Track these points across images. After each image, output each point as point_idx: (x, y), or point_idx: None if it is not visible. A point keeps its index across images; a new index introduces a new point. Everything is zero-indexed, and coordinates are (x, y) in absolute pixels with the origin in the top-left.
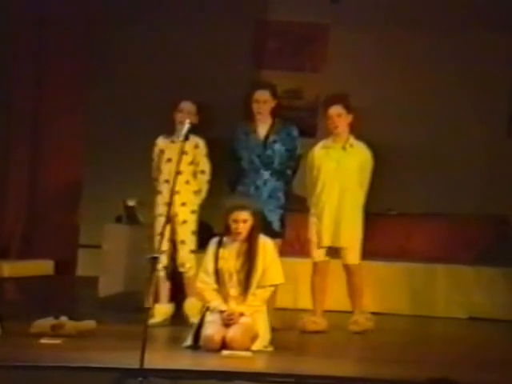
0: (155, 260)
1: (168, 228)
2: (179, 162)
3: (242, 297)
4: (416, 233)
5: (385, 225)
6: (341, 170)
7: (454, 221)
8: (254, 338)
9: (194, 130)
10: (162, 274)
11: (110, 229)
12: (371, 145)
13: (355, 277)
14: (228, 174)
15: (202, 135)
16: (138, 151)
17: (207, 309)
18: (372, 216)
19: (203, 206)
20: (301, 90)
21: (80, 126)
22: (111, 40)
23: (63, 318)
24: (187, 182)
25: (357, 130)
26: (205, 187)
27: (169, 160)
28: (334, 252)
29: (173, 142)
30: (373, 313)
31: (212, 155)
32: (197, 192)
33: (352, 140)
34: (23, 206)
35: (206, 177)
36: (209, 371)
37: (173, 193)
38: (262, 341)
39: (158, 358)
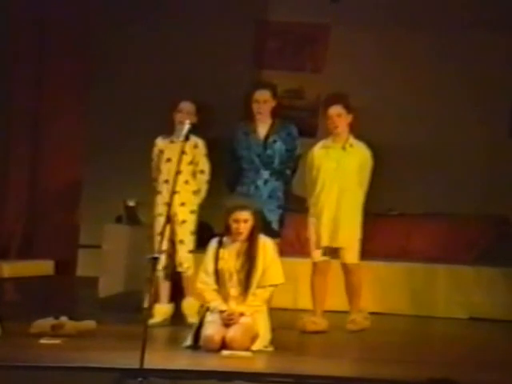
0: (155, 260)
1: (168, 228)
2: (179, 161)
3: (242, 297)
4: (416, 233)
5: (385, 225)
6: (340, 170)
7: (454, 221)
8: (254, 338)
9: (193, 129)
10: (161, 274)
11: (110, 229)
12: (371, 145)
13: (353, 276)
14: (227, 174)
15: (201, 135)
16: (138, 151)
17: (207, 309)
18: (372, 216)
19: (203, 206)
20: (301, 90)
21: (80, 126)
22: (111, 40)
23: (63, 318)
24: (186, 182)
25: (357, 130)
26: (204, 187)
27: (168, 160)
28: (333, 252)
29: (172, 142)
30: (373, 313)
31: (212, 155)
32: (196, 192)
33: (352, 140)
34: (23, 206)
35: (205, 177)
36: (209, 371)
37: (173, 193)
38: (262, 341)
39: (157, 358)
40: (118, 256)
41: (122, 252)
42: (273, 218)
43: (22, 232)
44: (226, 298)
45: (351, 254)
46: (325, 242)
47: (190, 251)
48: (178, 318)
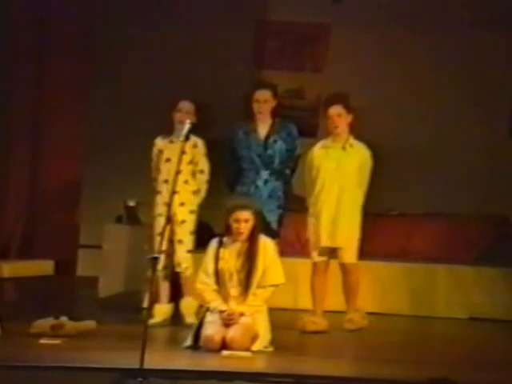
0: (155, 260)
1: (167, 228)
2: (180, 161)
3: (242, 297)
4: (416, 233)
5: (385, 225)
6: (340, 170)
7: (454, 221)
8: (254, 338)
9: (193, 129)
10: (161, 274)
11: (110, 229)
12: (372, 144)
13: (351, 276)
14: (227, 174)
15: (201, 135)
16: (138, 151)
17: (207, 309)
18: (372, 216)
19: (203, 206)
20: (302, 90)
21: (80, 126)
22: (111, 40)
23: (63, 318)
24: (186, 182)
25: (358, 130)
26: (204, 187)
27: (168, 160)
28: (331, 252)
29: (171, 141)
30: (373, 313)
31: (212, 155)
32: (196, 192)
33: (352, 140)
34: (23, 206)
35: (205, 176)
36: (209, 371)
37: (172, 192)
38: (262, 341)
39: (157, 358)
40: (118, 256)
41: (122, 252)
42: (272, 218)
43: (22, 232)
44: (226, 298)
45: (349, 254)
46: (324, 242)
47: (189, 251)
48: (177, 318)
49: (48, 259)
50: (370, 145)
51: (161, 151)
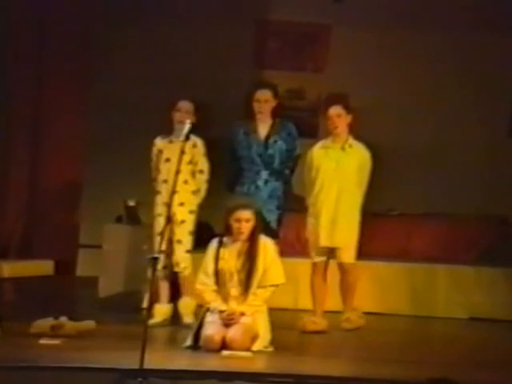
0: (155, 260)
1: (167, 228)
2: (180, 161)
3: (242, 297)
4: (416, 233)
5: (385, 225)
6: (340, 171)
7: (454, 221)
8: (254, 338)
9: (192, 129)
10: (161, 274)
11: (110, 229)
12: (372, 144)
13: (349, 275)
14: (227, 174)
15: (201, 135)
16: (138, 151)
17: (207, 309)
18: (372, 216)
19: (203, 206)
20: (302, 90)
21: (80, 126)
22: (111, 40)
23: (63, 319)
24: (185, 182)
25: (358, 130)
26: (204, 187)
27: (167, 160)
28: (330, 252)
29: (171, 141)
30: (373, 313)
31: (212, 155)
32: (195, 192)
33: (351, 140)
34: (23, 206)
35: (204, 176)
36: (209, 371)
37: (172, 192)
38: (262, 341)
39: (157, 359)
40: (118, 256)
41: (122, 252)
42: (271, 218)
43: (22, 232)
44: (226, 297)
45: (348, 254)
46: (323, 242)
47: (188, 251)
48: (177, 318)
49: (48, 259)
50: (369, 145)
51: (160, 151)
